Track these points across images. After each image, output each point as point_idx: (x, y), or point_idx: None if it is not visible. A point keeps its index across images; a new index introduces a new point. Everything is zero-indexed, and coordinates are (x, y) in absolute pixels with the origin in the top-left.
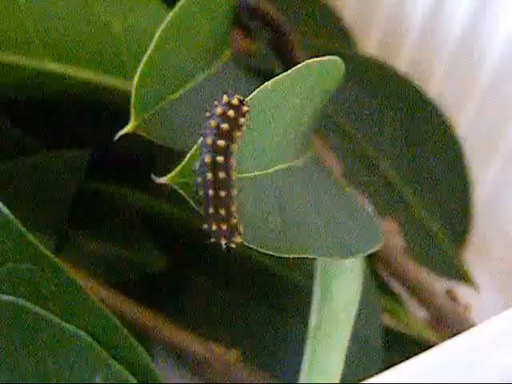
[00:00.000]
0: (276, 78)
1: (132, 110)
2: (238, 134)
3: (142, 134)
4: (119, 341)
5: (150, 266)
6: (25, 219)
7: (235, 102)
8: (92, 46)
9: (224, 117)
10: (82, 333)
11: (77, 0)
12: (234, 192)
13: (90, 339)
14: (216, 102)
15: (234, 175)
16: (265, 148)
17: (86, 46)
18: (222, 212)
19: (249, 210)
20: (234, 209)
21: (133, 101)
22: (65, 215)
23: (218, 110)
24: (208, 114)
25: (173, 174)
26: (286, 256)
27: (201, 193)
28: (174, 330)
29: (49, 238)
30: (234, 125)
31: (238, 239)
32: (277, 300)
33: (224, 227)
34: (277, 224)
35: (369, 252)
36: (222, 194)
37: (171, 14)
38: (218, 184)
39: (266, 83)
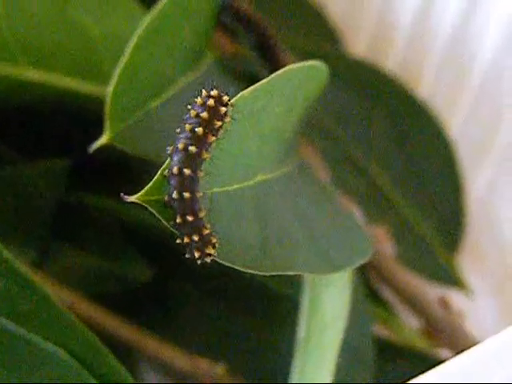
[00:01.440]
0: (254, 85)
1: (106, 121)
2: (212, 138)
3: (118, 146)
4: (99, 358)
5: (134, 278)
6: (3, 232)
7: (211, 103)
8: (70, 53)
9: (199, 119)
10: (60, 351)
11: (54, 6)
12: (200, 199)
13: (68, 357)
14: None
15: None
16: (244, 159)
17: (64, 53)
18: (190, 218)
19: (227, 227)
20: (202, 215)
21: (107, 111)
22: (45, 227)
23: (192, 112)
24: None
25: (142, 192)
26: (268, 274)
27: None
28: (159, 344)
29: (29, 251)
30: (209, 128)
31: (212, 251)
32: (264, 311)
33: (196, 238)
34: (257, 240)
35: (356, 265)
36: (187, 195)
37: (149, 17)
38: (183, 189)
39: (243, 92)
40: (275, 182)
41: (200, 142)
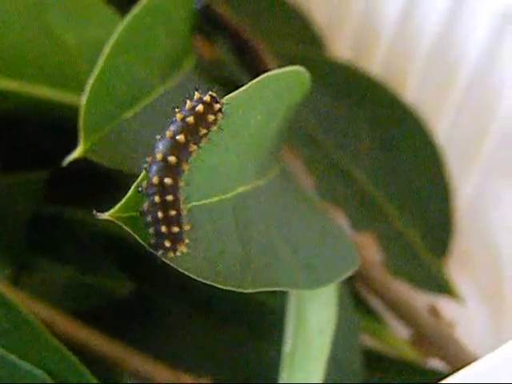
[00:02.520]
0: (233, 93)
1: (80, 133)
2: (194, 147)
3: (93, 158)
4: (77, 377)
5: (115, 292)
6: None
7: (200, 109)
8: (46, 61)
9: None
10: (37, 370)
11: (29, 15)
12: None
13: (46, 376)
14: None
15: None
16: (223, 170)
17: (40, 61)
18: (160, 215)
19: (206, 243)
20: (172, 213)
21: (81, 122)
22: (22, 241)
23: (178, 116)
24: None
25: (115, 208)
26: (250, 291)
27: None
28: (142, 359)
29: (5, 266)
30: (193, 135)
31: (183, 248)
32: (249, 323)
33: (174, 230)
34: (238, 256)
35: (342, 278)
36: (170, 198)
37: (123, 24)
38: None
39: (221, 100)
40: (256, 194)
41: (181, 150)
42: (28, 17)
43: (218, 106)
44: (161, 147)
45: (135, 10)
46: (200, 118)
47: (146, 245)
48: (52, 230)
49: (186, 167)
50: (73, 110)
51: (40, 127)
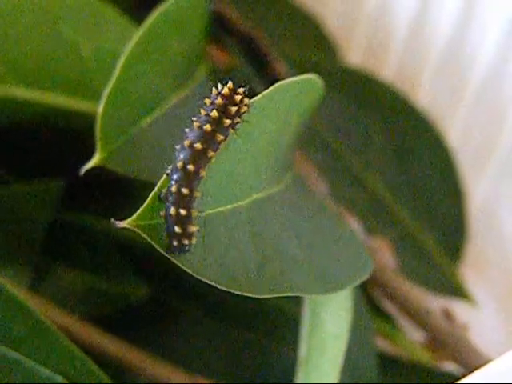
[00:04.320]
0: None
1: (98, 142)
2: (212, 153)
3: (110, 167)
4: (95, 382)
5: (131, 297)
6: None
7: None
8: (61, 70)
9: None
10: (55, 376)
11: (44, 22)
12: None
13: (64, 382)
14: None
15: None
16: (238, 178)
17: (55, 70)
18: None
19: (221, 249)
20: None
21: (98, 131)
22: (40, 248)
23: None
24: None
25: (133, 217)
26: (265, 297)
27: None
28: (159, 364)
29: (24, 274)
30: (209, 143)
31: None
32: (264, 328)
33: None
34: (253, 262)
35: (356, 283)
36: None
37: (138, 34)
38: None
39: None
40: (271, 200)
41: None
42: (44, 28)
43: (239, 97)
44: (181, 155)
45: (149, 19)
46: (223, 110)
47: (164, 252)
48: (69, 236)
49: (203, 173)
50: (89, 119)
51: (57, 136)
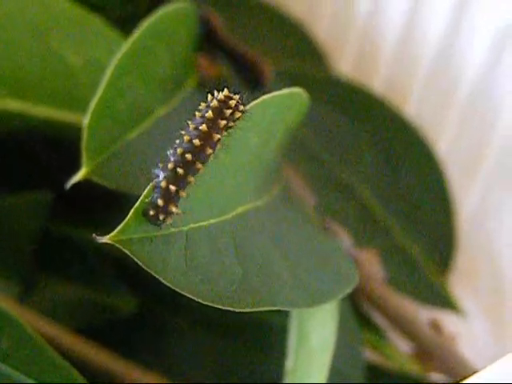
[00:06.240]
0: None
1: (84, 155)
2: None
3: (96, 180)
4: None
5: (120, 309)
6: None
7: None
8: (50, 82)
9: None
10: None
11: (33, 35)
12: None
13: None
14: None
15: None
16: (221, 192)
17: (44, 82)
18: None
19: (204, 264)
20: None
21: (84, 145)
22: (29, 259)
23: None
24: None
25: (115, 231)
26: (248, 311)
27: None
28: (147, 375)
29: (13, 285)
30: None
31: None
32: (252, 339)
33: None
34: (236, 276)
35: (341, 296)
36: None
37: (125, 46)
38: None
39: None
40: (255, 213)
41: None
42: (32, 40)
43: (233, 101)
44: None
45: (137, 31)
46: (219, 112)
47: (146, 268)
48: (58, 248)
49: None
50: (78, 131)
51: (47, 148)
